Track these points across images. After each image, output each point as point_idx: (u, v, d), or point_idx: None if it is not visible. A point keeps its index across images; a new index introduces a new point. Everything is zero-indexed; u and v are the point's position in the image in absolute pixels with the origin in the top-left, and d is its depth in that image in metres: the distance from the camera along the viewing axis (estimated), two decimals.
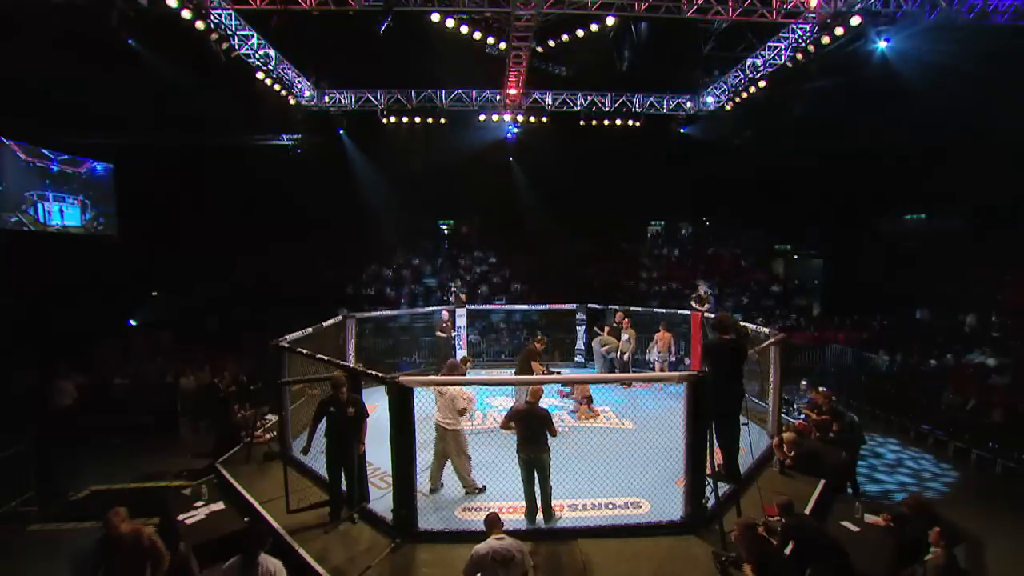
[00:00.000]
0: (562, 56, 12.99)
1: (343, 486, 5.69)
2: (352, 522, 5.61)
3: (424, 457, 5.78)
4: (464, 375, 7.27)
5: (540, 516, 5.57)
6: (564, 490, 5.71)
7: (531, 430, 5.47)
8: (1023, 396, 9.51)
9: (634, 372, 10.30)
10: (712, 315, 7.80)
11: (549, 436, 5.50)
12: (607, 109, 15.26)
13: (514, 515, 5.67)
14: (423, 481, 5.69)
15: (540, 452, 5.44)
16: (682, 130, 16.38)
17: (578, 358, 12.51)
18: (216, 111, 14.17)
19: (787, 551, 4.68)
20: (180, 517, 5.75)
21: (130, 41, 10.30)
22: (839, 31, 9.76)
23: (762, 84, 12.81)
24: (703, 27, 11.69)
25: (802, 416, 8.18)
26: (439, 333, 11.39)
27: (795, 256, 22.66)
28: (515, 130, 16.45)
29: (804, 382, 9.61)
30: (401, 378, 5.30)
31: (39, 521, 6.96)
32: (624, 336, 10.54)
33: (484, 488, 6.12)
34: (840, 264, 20.49)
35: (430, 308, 11.99)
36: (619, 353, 10.47)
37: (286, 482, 5.73)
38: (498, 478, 5.99)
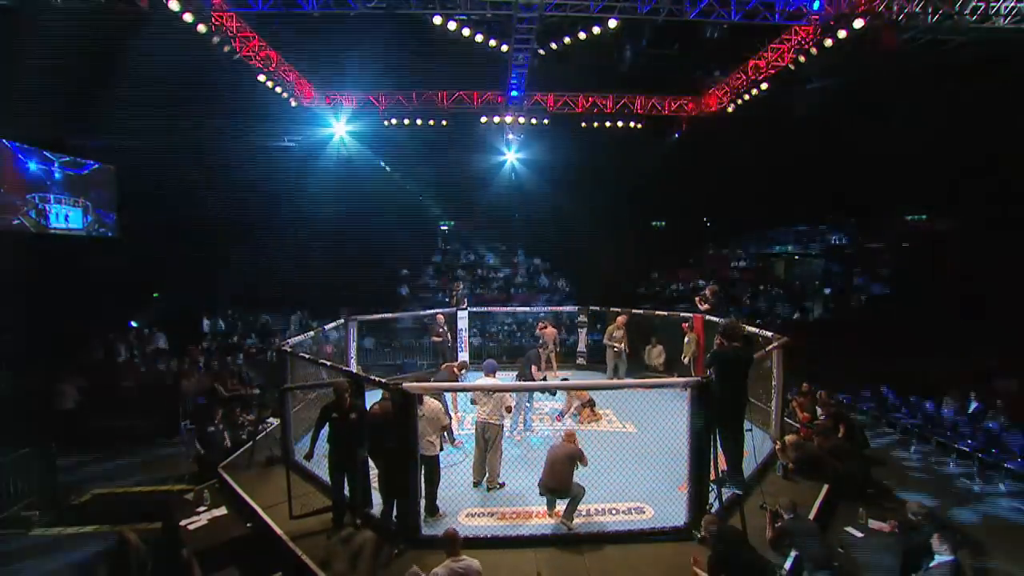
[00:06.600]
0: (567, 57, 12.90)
1: (346, 491, 5.68)
2: (355, 528, 5.60)
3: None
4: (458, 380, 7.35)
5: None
6: None
7: (559, 467, 5.50)
8: None
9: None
10: (717, 319, 7.77)
11: (580, 467, 5.58)
12: (609, 111, 15.23)
13: (516, 520, 5.68)
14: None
15: (565, 491, 5.49)
16: (676, 135, 16.38)
17: (579, 360, 12.46)
18: (217, 112, 14.15)
19: None
20: (183, 522, 5.74)
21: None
22: (842, 33, 9.74)
23: (764, 86, 12.79)
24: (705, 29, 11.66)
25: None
26: (435, 338, 11.33)
27: (795, 257, 22.58)
28: (518, 131, 16.43)
29: (805, 385, 9.57)
30: (404, 384, 5.30)
31: (41, 526, 6.95)
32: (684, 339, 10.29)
33: (504, 484, 6.27)
34: (840, 266, 20.42)
35: (431, 311, 11.96)
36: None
37: (289, 487, 5.72)
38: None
